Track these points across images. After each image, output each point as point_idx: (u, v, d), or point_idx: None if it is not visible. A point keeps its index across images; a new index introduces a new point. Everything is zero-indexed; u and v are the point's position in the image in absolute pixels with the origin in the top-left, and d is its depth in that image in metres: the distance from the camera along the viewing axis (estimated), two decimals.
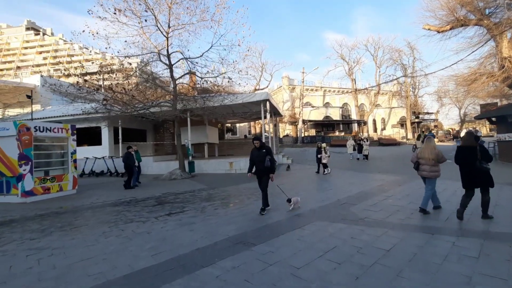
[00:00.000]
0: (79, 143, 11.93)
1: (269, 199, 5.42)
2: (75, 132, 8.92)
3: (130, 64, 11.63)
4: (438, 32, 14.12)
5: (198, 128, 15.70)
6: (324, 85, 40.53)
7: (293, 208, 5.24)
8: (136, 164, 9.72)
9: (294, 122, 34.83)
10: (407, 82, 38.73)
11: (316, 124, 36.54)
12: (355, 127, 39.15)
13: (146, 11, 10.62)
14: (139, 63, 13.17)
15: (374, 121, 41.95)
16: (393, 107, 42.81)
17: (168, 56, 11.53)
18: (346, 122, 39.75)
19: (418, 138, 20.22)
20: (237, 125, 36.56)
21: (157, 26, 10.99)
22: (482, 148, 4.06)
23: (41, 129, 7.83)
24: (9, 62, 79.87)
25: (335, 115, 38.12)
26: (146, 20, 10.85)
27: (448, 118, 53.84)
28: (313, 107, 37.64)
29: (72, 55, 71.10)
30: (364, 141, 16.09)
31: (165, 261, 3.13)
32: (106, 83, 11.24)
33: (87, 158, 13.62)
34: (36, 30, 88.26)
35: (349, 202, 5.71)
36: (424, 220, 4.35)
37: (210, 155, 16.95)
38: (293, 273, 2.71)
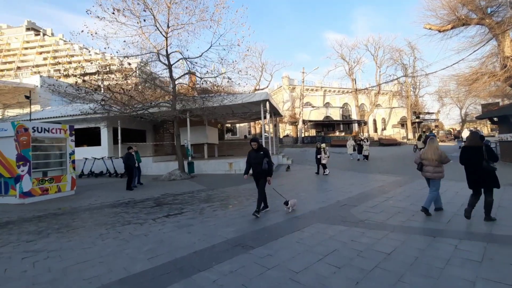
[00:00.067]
0: (78, 144, 11.90)
1: (268, 201, 5.38)
2: (73, 132, 8.87)
3: (130, 64, 11.58)
4: (439, 31, 14.05)
5: (197, 128, 15.65)
6: (324, 85, 40.43)
7: (291, 210, 5.19)
8: (136, 165, 9.68)
9: (294, 122, 34.76)
10: (408, 82, 38.61)
11: (316, 124, 36.46)
12: (355, 127, 39.04)
13: (144, 10, 10.58)
14: (138, 63, 13.13)
15: (375, 121, 41.86)
16: (393, 107, 42.69)
17: (167, 56, 11.48)
18: (346, 122, 39.65)
19: (419, 139, 20.10)
20: (237, 125, 36.52)
21: (156, 26, 10.95)
22: (488, 148, 4.01)
23: (39, 130, 7.79)
24: (10, 62, 79.96)
25: (336, 115, 38.03)
26: (145, 20, 10.81)
27: (449, 118, 53.72)
28: (313, 107, 37.56)
29: (72, 56, 71.16)
30: (364, 142, 16.01)
31: (162, 265, 3.08)
32: (106, 83, 11.17)
33: (86, 158, 13.58)
34: (36, 31, 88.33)
35: (349, 204, 5.65)
36: (425, 222, 4.29)
37: (209, 155, 16.90)
38: (292, 278, 2.65)
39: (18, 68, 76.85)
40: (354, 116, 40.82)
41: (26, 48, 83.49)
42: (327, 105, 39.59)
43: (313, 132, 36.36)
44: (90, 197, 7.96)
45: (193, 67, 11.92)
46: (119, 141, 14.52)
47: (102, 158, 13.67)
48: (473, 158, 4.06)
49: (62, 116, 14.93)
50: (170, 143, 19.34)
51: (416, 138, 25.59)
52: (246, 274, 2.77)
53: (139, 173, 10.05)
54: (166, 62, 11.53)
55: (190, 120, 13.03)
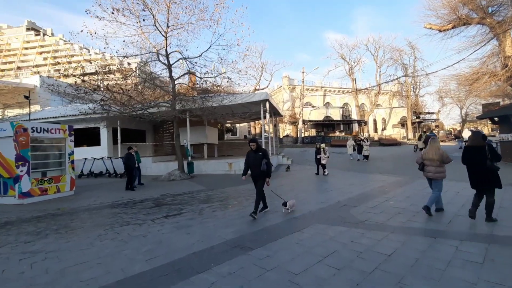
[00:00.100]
0: (78, 144, 11.86)
1: (268, 201, 5.35)
2: (72, 132, 8.85)
3: (129, 64, 11.56)
4: (440, 31, 14.00)
5: (197, 128, 15.62)
6: (325, 85, 40.35)
7: (290, 211, 5.16)
8: (136, 165, 9.66)
9: (294, 122, 34.70)
10: (408, 82, 38.52)
11: (317, 124, 36.40)
12: (355, 127, 38.98)
13: (144, 10, 10.54)
14: (138, 63, 13.10)
15: (375, 121, 41.78)
16: (393, 107, 42.61)
17: (167, 56, 11.45)
18: (346, 122, 39.59)
19: (419, 139, 20.08)
20: (237, 125, 36.47)
21: (155, 25, 10.92)
22: (490, 147, 4.00)
23: (38, 130, 7.76)
24: (10, 62, 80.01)
25: (336, 115, 37.97)
26: (144, 20, 10.79)
27: (450, 118, 53.43)
28: (313, 107, 37.50)
29: (72, 56, 71.12)
30: (364, 142, 15.96)
31: (160, 266, 3.06)
32: (105, 83, 11.14)
33: (85, 158, 13.55)
34: (37, 31, 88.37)
35: (349, 204, 5.62)
36: (426, 223, 4.26)
37: (209, 155, 16.87)
38: (291, 280, 2.63)
39: (18, 68, 76.87)
40: (354, 116, 40.75)
41: (26, 48, 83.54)
42: (327, 105, 39.54)
43: (313, 132, 36.29)
44: (89, 197, 7.94)
45: (193, 67, 11.90)
46: (119, 141, 14.48)
47: (102, 158, 13.64)
48: (476, 158, 4.04)
49: (61, 116, 14.91)
50: (169, 143, 19.31)
51: (417, 138, 25.56)
52: (245, 275, 2.75)
53: (139, 174, 10.03)
54: (166, 62, 11.50)
55: (190, 120, 13.00)
